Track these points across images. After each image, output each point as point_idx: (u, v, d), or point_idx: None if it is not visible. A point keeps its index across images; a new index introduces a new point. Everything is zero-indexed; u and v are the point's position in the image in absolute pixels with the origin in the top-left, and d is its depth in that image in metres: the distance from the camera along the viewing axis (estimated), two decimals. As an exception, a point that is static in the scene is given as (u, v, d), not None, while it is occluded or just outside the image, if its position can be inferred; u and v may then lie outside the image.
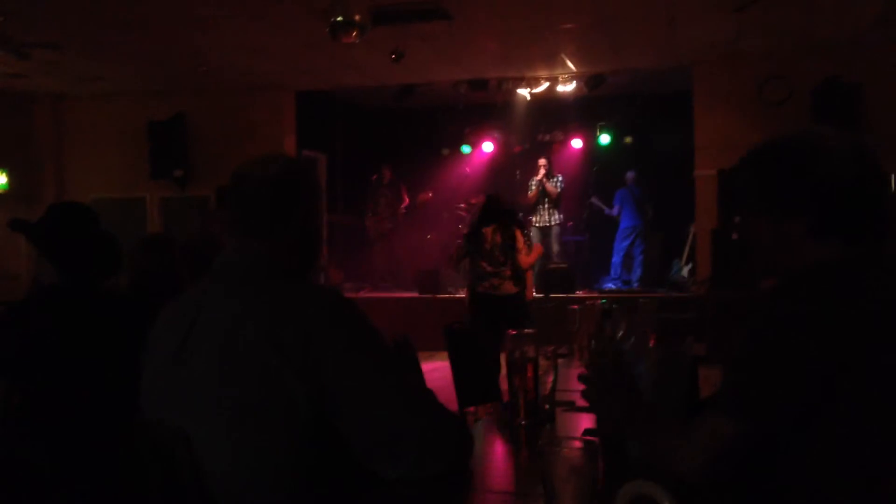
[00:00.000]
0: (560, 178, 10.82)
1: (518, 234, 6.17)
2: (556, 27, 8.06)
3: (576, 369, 3.13)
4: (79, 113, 10.86)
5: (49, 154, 10.84)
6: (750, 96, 8.95)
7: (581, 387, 1.82)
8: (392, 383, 1.58)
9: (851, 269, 1.47)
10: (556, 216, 10.83)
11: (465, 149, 12.34)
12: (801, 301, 1.43)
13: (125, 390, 1.82)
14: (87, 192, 10.30)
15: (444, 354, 4.10)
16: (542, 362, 2.26)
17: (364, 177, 11.76)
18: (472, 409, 3.93)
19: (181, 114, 10.28)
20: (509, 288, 6.09)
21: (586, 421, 2.25)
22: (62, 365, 2.38)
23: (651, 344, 2.35)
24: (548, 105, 11.02)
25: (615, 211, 11.40)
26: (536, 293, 8.83)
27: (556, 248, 10.85)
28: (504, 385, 2.36)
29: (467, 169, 12.44)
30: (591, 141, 11.81)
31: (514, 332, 2.26)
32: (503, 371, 2.31)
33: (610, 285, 10.89)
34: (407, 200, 11.56)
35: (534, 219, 10.85)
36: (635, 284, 10.80)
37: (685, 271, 10.02)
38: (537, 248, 7.02)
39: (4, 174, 10.06)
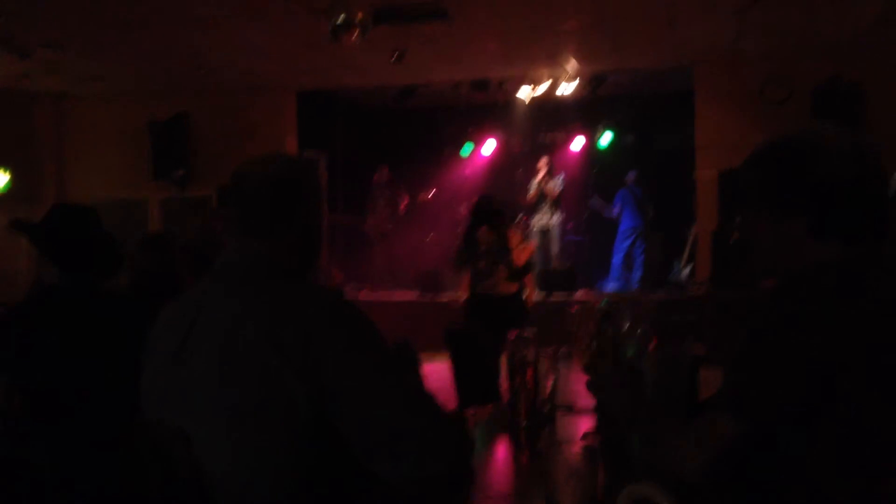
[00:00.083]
0: (560, 179, 10.81)
1: (511, 233, 6.15)
2: (556, 27, 8.05)
3: (576, 371, 3.13)
4: (79, 113, 10.85)
5: (50, 154, 10.83)
6: (751, 96, 8.94)
7: (583, 389, 1.81)
8: (392, 383, 1.58)
9: (851, 269, 1.47)
10: (557, 217, 10.82)
11: (466, 149, 12.35)
12: (801, 301, 1.43)
13: (125, 390, 1.82)
14: (87, 192, 10.30)
15: (444, 356, 4.10)
16: (543, 364, 2.26)
17: (364, 177, 11.75)
18: (471, 410, 3.93)
19: (182, 114, 10.27)
20: (506, 288, 6.08)
21: (586, 423, 2.25)
22: (62, 365, 2.38)
23: (652, 346, 2.35)
24: (548, 105, 11.01)
25: (615, 211, 11.39)
26: (536, 294, 8.85)
27: (556, 248, 10.85)
28: (504, 386, 2.36)
29: (468, 170, 12.44)
30: (591, 141, 11.81)
31: (515, 334, 2.26)
32: (503, 372, 2.31)
33: (611, 286, 10.88)
34: (407, 199, 11.55)
35: (534, 219, 10.85)
36: (635, 285, 10.79)
37: (685, 272, 10.02)
38: (527, 247, 7.02)
39: (6, 174, 10.05)
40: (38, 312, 2.51)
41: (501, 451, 2.18)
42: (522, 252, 6.21)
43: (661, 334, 2.59)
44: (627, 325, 1.96)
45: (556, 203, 10.77)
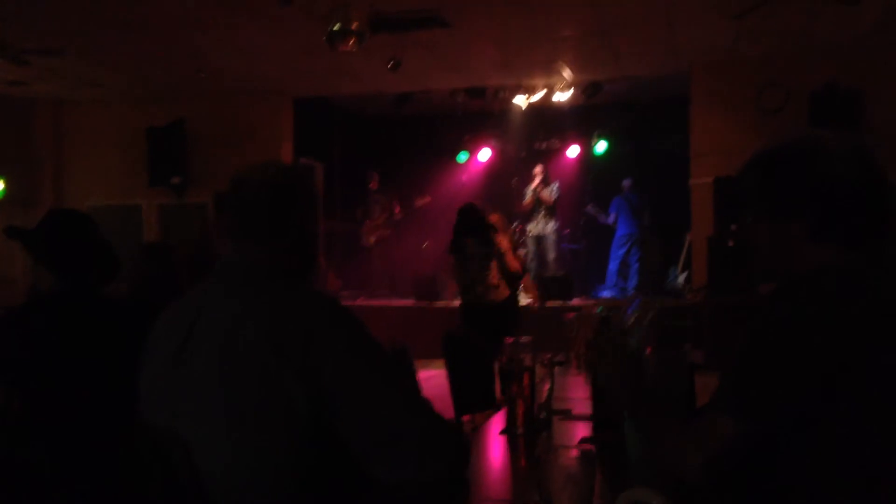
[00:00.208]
0: (556, 186, 10.83)
1: (500, 238, 6.13)
2: (554, 34, 8.07)
3: (572, 377, 3.14)
4: (77, 119, 10.85)
5: (47, 160, 10.83)
6: (747, 103, 8.96)
7: (579, 395, 1.82)
8: (391, 385, 1.59)
9: (851, 271, 1.48)
10: (553, 224, 10.83)
11: (462, 156, 12.36)
12: (801, 303, 1.43)
13: (124, 393, 1.82)
14: (84, 198, 10.31)
15: (441, 363, 4.10)
16: (539, 370, 2.26)
17: (361, 184, 11.76)
18: (468, 417, 3.93)
19: (179, 120, 10.27)
20: (496, 295, 6.06)
21: (583, 429, 2.25)
22: (62, 368, 2.38)
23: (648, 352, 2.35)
24: (544, 113, 11.03)
25: (611, 219, 11.41)
26: (533, 301, 8.85)
27: (552, 255, 10.86)
28: (498, 392, 2.36)
29: (464, 177, 12.45)
30: (587, 149, 11.83)
31: (511, 341, 2.26)
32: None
33: (606, 293, 10.89)
34: (398, 207, 11.54)
35: (530, 226, 10.86)
36: (631, 292, 10.80)
37: (681, 279, 10.03)
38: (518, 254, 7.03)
39: (2, 180, 10.05)
40: (38, 315, 2.50)
41: (499, 457, 2.18)
42: (514, 258, 6.20)
43: (658, 341, 2.59)
44: (633, 318, 1.96)
45: (552, 210, 10.78)
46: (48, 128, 10.83)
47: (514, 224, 10.36)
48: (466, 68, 9.35)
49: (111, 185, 10.66)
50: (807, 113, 8.49)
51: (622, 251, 11.25)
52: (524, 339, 2.30)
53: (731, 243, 8.38)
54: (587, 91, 10.14)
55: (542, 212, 10.78)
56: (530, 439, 2.19)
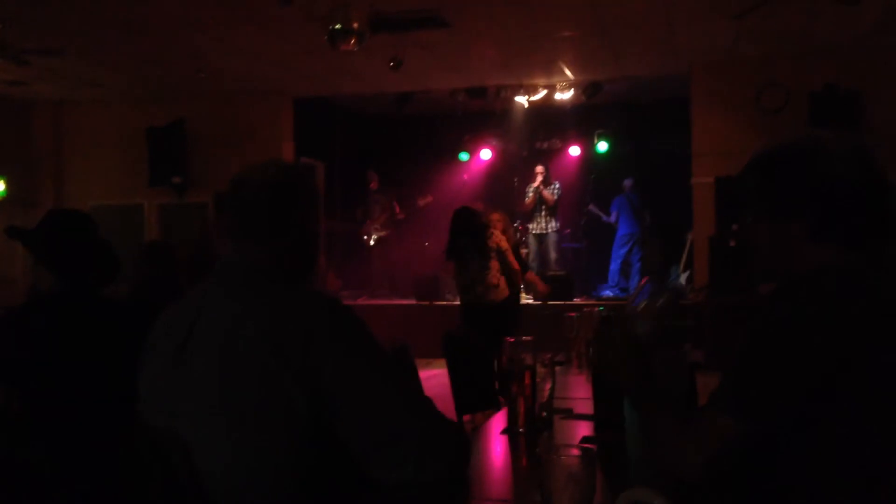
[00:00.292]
0: (557, 186, 10.83)
1: (498, 237, 6.12)
2: (554, 35, 8.08)
3: (574, 377, 3.14)
4: (77, 119, 10.86)
5: (47, 160, 10.84)
6: (748, 103, 8.96)
7: (581, 394, 1.81)
8: (391, 385, 1.59)
9: (851, 271, 1.48)
10: (554, 223, 10.83)
11: (463, 156, 12.36)
12: (801, 302, 1.43)
13: (124, 393, 1.82)
14: (85, 198, 10.31)
15: (442, 362, 4.10)
16: (540, 370, 2.26)
17: (362, 184, 11.77)
18: (468, 416, 3.93)
19: (180, 120, 10.28)
20: (496, 295, 6.06)
21: (584, 428, 2.25)
22: (62, 368, 2.38)
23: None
24: (545, 112, 11.04)
25: (612, 218, 11.42)
26: (533, 301, 8.86)
27: (553, 255, 10.86)
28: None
29: (465, 176, 12.45)
30: (588, 148, 11.83)
31: (512, 340, 2.26)
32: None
33: (608, 293, 10.89)
34: (397, 206, 11.54)
35: (531, 226, 10.86)
36: (633, 291, 10.79)
37: (683, 278, 10.03)
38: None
39: (3, 181, 10.05)
40: (38, 315, 2.50)
41: (500, 456, 2.18)
42: (514, 258, 6.20)
43: (659, 341, 2.59)
44: (643, 305, 1.94)
45: (554, 210, 10.78)
46: (48, 128, 10.84)
47: (516, 223, 10.36)
48: (467, 68, 9.36)
49: (112, 185, 10.67)
50: (807, 113, 8.49)
51: (623, 251, 11.25)
52: (525, 338, 2.30)
53: (732, 243, 8.38)
54: (587, 91, 10.14)
55: (544, 211, 10.78)
56: (531, 439, 2.19)
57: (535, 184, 10.76)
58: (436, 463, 1.57)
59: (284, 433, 1.52)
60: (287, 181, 1.78)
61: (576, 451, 1.27)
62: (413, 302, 10.08)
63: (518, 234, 9.71)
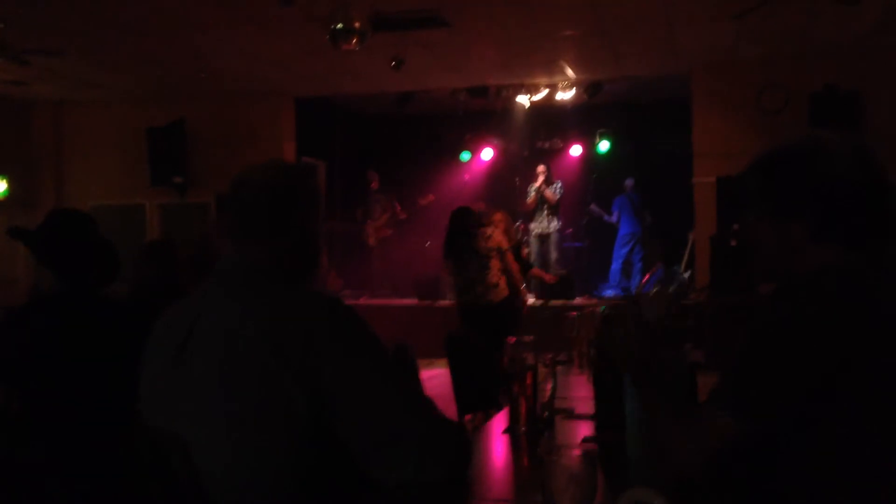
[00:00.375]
0: (559, 185, 10.82)
1: (497, 235, 6.11)
2: (555, 35, 8.07)
3: (575, 377, 3.13)
4: (78, 119, 10.86)
5: (48, 160, 10.84)
6: (749, 103, 8.97)
7: (582, 394, 1.81)
8: (391, 386, 1.59)
9: (852, 272, 1.48)
10: (555, 223, 10.83)
11: (465, 156, 12.36)
12: (802, 302, 1.44)
13: (125, 394, 1.82)
14: (86, 198, 10.31)
15: (443, 362, 4.10)
16: (541, 369, 2.26)
17: (363, 183, 11.77)
18: (469, 416, 3.93)
19: (180, 120, 10.27)
20: (495, 295, 6.05)
21: (585, 428, 2.25)
22: (62, 368, 2.38)
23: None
24: (547, 112, 11.04)
25: (614, 218, 11.42)
26: (535, 300, 8.86)
27: (555, 254, 10.86)
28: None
29: (466, 176, 12.45)
30: (589, 148, 11.83)
31: (514, 340, 2.26)
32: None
33: (609, 292, 10.89)
34: (398, 206, 11.53)
35: (533, 225, 10.86)
36: (634, 291, 10.78)
37: (684, 278, 10.02)
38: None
39: (4, 181, 10.05)
40: (39, 316, 2.51)
41: (501, 456, 2.18)
42: (513, 258, 6.19)
43: (660, 341, 2.59)
44: (655, 289, 1.94)
45: (556, 209, 10.78)
46: (49, 128, 10.84)
47: (517, 223, 10.36)
48: (467, 68, 9.35)
49: (112, 186, 10.67)
50: (807, 113, 8.49)
51: (625, 250, 11.25)
52: (527, 338, 2.30)
53: (733, 243, 8.37)
54: (588, 91, 10.14)
55: (545, 211, 10.78)
56: (532, 439, 2.19)
57: (537, 184, 10.75)
58: (436, 463, 1.57)
59: (285, 433, 1.52)
60: (288, 181, 1.78)
61: (577, 452, 1.27)
62: (414, 302, 10.07)
63: (520, 234, 9.71)
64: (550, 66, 9.36)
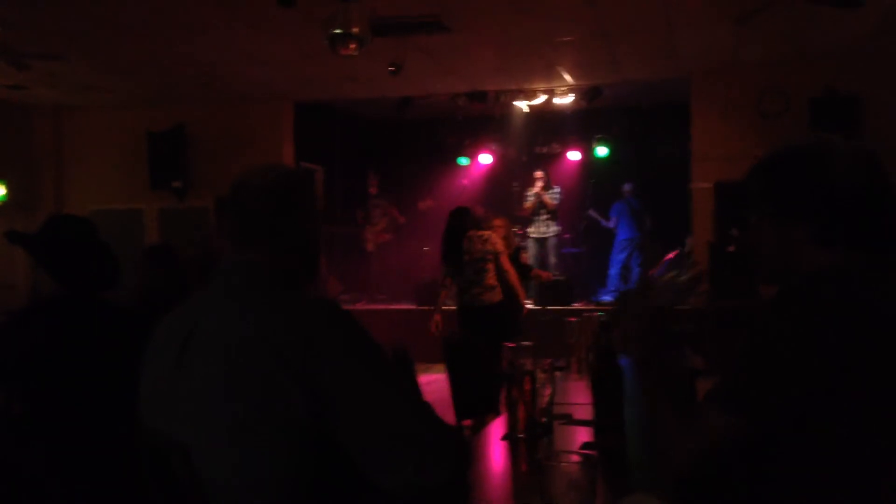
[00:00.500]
0: (558, 190, 10.82)
1: (494, 238, 6.12)
2: (554, 40, 8.08)
3: (573, 382, 3.13)
4: (78, 123, 10.87)
5: (48, 165, 10.84)
6: (748, 108, 8.97)
7: (581, 400, 1.80)
8: (392, 390, 1.59)
9: (854, 275, 1.48)
10: (554, 227, 10.84)
11: (463, 160, 12.37)
12: (804, 305, 1.44)
13: (125, 398, 1.82)
14: (85, 202, 10.31)
15: (441, 367, 4.09)
16: (540, 375, 2.26)
17: (362, 188, 11.78)
18: (468, 421, 3.93)
19: (180, 124, 10.29)
20: (491, 298, 6.04)
21: (584, 434, 2.25)
22: (63, 372, 2.38)
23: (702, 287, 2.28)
24: (545, 117, 11.05)
25: (612, 223, 11.42)
26: (534, 306, 8.86)
27: (553, 259, 10.86)
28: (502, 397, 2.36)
29: (465, 181, 12.46)
30: (588, 153, 11.84)
31: (513, 345, 2.26)
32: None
33: (607, 297, 10.87)
34: (396, 211, 11.53)
35: (531, 230, 10.86)
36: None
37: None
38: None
39: (3, 185, 10.05)
40: (38, 319, 2.51)
41: (500, 462, 2.18)
42: (508, 261, 6.18)
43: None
44: (669, 276, 1.92)
45: (554, 214, 10.79)
46: (49, 132, 10.84)
47: (515, 228, 10.36)
48: (467, 73, 9.36)
49: (112, 190, 10.68)
50: (807, 118, 8.50)
51: (623, 255, 11.25)
52: (525, 343, 2.30)
53: (731, 248, 8.38)
54: (588, 95, 10.15)
55: (544, 215, 10.78)
56: (531, 444, 2.18)
57: (536, 189, 10.74)
58: (436, 468, 1.56)
59: (284, 437, 1.52)
60: (287, 185, 1.78)
61: (576, 458, 1.27)
62: (413, 306, 10.07)
63: (518, 239, 9.71)
64: (550, 71, 9.36)
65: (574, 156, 12.06)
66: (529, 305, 8.61)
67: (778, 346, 1.41)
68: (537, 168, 11.01)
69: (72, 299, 2.53)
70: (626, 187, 11.36)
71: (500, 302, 6.07)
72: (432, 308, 6.51)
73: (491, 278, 6.03)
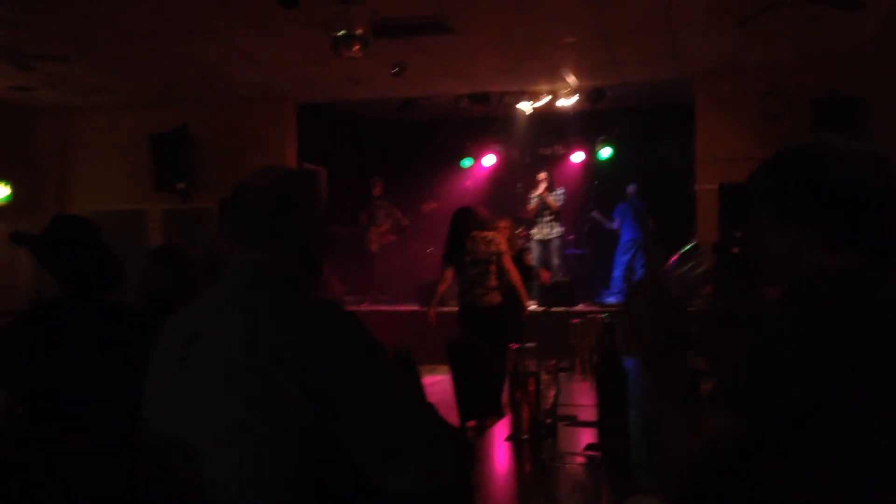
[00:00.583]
0: (562, 192, 10.82)
1: (497, 240, 6.11)
2: (557, 41, 8.08)
3: (577, 384, 3.13)
4: (81, 125, 10.88)
5: (51, 166, 10.86)
6: (751, 109, 8.97)
7: (585, 401, 1.80)
8: (394, 391, 1.58)
9: (858, 276, 1.48)
10: (557, 229, 10.83)
11: (467, 162, 12.37)
12: (807, 306, 1.44)
13: (128, 398, 1.82)
14: (88, 204, 10.32)
15: (445, 368, 4.09)
16: (544, 376, 2.26)
17: (365, 189, 11.77)
18: (472, 423, 3.93)
19: (183, 125, 10.30)
20: (493, 299, 6.04)
21: (588, 435, 2.25)
22: (65, 373, 2.38)
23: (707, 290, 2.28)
24: (549, 119, 11.04)
25: (615, 224, 11.41)
26: (538, 307, 8.86)
27: (556, 261, 10.85)
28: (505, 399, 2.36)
29: (468, 182, 12.46)
30: (591, 154, 11.83)
31: (517, 347, 2.26)
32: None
33: (611, 299, 10.87)
34: (399, 213, 11.53)
35: (534, 231, 10.86)
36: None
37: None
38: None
39: (7, 186, 10.07)
40: (41, 320, 2.51)
41: (504, 463, 2.17)
42: (511, 261, 6.18)
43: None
44: (688, 266, 1.91)
45: (558, 215, 10.78)
46: (52, 133, 10.86)
47: (519, 230, 10.36)
48: (470, 74, 9.37)
49: (115, 191, 10.69)
50: (810, 120, 8.49)
51: (627, 257, 11.24)
52: (529, 345, 2.30)
53: (735, 250, 8.36)
54: (591, 97, 10.15)
55: (547, 217, 10.78)
56: (535, 445, 2.18)
57: (539, 191, 10.74)
58: (439, 469, 1.56)
59: (285, 438, 1.52)
60: (287, 186, 1.78)
61: (580, 459, 1.27)
62: (416, 308, 10.07)
63: (521, 241, 9.71)
64: (553, 73, 9.36)
65: (577, 157, 12.05)
66: (533, 307, 8.62)
67: (778, 346, 1.41)
68: (541, 170, 11.00)
69: (74, 300, 2.53)
70: (630, 188, 11.36)
71: (501, 304, 6.07)
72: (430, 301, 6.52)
73: (493, 279, 6.03)
